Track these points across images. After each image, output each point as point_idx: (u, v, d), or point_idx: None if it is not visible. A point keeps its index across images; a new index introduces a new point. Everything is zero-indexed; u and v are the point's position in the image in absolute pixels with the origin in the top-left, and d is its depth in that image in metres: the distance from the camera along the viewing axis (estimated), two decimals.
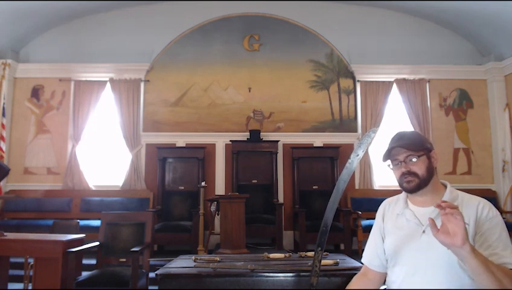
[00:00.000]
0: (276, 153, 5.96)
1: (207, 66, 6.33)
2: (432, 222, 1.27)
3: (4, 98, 5.91)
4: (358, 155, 1.63)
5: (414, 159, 1.46)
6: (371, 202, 5.78)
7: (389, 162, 1.54)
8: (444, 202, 1.28)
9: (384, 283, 1.62)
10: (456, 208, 1.25)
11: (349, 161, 1.65)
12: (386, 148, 1.53)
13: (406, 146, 1.47)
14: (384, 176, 6.15)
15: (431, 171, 1.47)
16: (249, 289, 1.87)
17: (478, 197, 1.46)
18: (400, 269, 1.49)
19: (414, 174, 1.46)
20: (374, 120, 6.18)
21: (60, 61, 6.24)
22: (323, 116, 6.28)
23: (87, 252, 3.38)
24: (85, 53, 6.29)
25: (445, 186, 1.52)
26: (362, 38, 6.40)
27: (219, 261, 2.08)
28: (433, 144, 1.59)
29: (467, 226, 1.37)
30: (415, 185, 1.46)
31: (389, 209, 1.62)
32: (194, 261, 2.10)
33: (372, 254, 1.64)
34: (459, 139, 6.28)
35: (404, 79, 6.27)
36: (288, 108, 6.29)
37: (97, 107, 6.19)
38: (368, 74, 6.30)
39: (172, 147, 6.07)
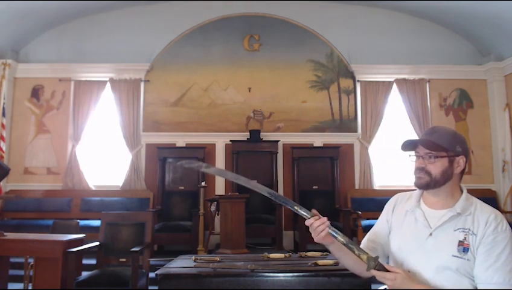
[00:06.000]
0: (276, 153, 5.96)
1: (207, 66, 6.33)
2: None
3: (4, 98, 5.90)
4: None
5: (432, 159, 1.44)
6: (370, 202, 5.78)
7: (411, 152, 1.51)
8: None
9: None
10: None
11: None
12: (411, 138, 1.50)
13: (429, 145, 1.43)
14: (384, 176, 6.16)
15: (446, 176, 1.43)
16: (249, 289, 1.87)
17: (493, 209, 1.43)
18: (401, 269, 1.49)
19: (427, 172, 1.43)
20: (374, 120, 6.18)
21: (60, 61, 6.24)
22: (323, 116, 6.28)
23: (87, 252, 3.39)
24: (85, 53, 6.29)
25: (462, 192, 1.48)
26: (362, 38, 6.39)
27: (219, 261, 2.08)
28: None
29: (473, 236, 1.37)
30: (424, 182, 1.44)
31: (400, 203, 1.59)
32: (194, 261, 2.10)
33: (371, 241, 1.59)
34: None
35: (404, 79, 6.26)
36: (288, 108, 6.28)
37: (97, 107, 6.18)
38: (368, 74, 6.29)
39: (172, 147, 6.07)
